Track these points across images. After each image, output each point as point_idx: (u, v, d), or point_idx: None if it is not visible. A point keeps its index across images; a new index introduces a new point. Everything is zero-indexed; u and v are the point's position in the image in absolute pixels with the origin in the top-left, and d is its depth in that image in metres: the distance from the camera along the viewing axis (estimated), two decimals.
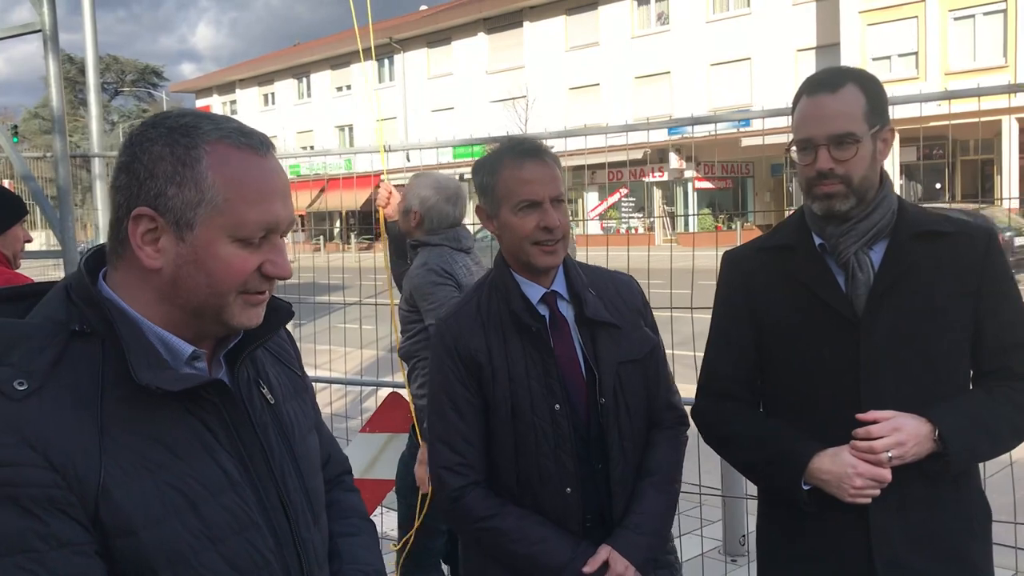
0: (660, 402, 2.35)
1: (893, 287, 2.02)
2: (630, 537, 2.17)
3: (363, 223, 19.97)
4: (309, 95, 48.00)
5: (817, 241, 2.10)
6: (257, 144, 1.32)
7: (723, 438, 2.26)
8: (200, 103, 55.80)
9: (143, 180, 1.27)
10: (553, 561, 2.13)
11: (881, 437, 1.93)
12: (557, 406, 2.16)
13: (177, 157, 1.27)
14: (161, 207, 1.27)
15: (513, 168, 2.16)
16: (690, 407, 2.39)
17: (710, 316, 2.32)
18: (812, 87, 2.05)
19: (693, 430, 2.38)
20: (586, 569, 2.10)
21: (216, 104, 54.10)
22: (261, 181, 1.31)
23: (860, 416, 1.96)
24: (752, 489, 4.39)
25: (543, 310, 2.23)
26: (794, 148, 2.07)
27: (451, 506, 2.21)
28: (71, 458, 1.17)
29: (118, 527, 1.20)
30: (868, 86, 2.03)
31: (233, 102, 53.14)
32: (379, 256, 4.42)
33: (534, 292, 2.23)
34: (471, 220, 3.25)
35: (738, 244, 2.39)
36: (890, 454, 1.92)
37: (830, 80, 2.03)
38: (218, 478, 1.30)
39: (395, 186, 4.00)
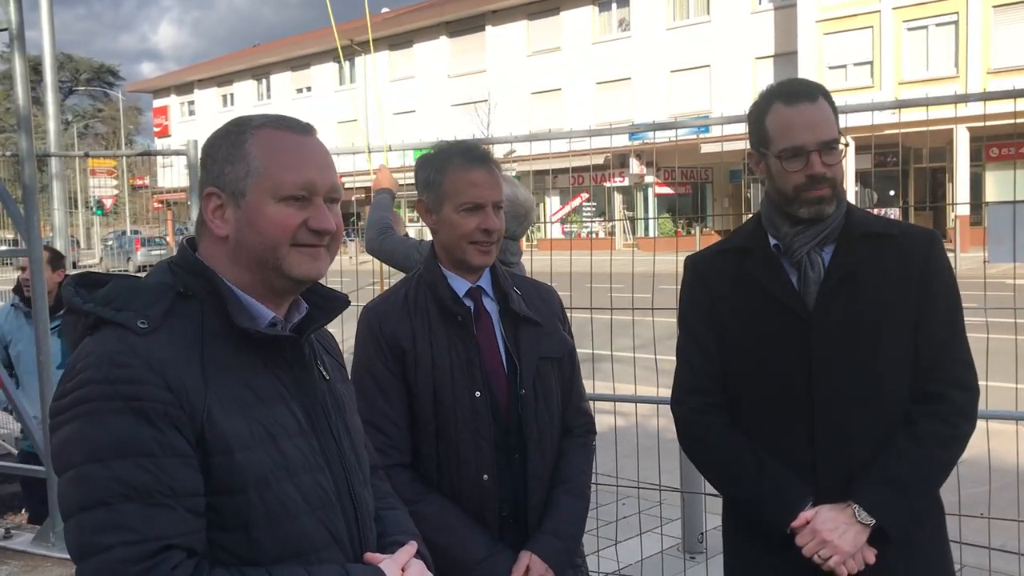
0: (572, 407, 2.45)
1: (841, 284, 2.12)
2: (549, 541, 2.27)
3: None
4: (269, 96, 47.61)
5: (772, 242, 2.20)
6: (294, 125, 1.57)
7: (708, 463, 2.31)
8: (157, 103, 55.04)
9: (209, 167, 1.55)
10: (468, 556, 2.22)
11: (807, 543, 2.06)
12: (478, 393, 2.26)
13: (231, 143, 1.54)
14: (222, 184, 1.53)
15: (462, 170, 2.28)
16: (658, 404, 2.46)
17: (675, 318, 2.40)
18: (790, 97, 2.12)
19: (652, 428, 2.46)
20: None
21: (174, 104, 53.40)
22: (295, 150, 1.54)
23: (793, 525, 2.08)
24: (710, 488, 4.48)
25: (468, 303, 2.33)
26: (777, 157, 2.11)
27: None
28: (184, 385, 1.40)
29: (219, 447, 1.42)
30: (829, 98, 2.15)
31: (191, 103, 52.50)
32: (343, 259, 4.45)
33: (460, 286, 2.33)
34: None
35: (697, 249, 2.47)
36: (822, 554, 2.04)
37: (806, 90, 2.13)
38: (291, 423, 1.52)
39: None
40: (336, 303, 1.68)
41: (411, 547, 1.65)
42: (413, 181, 2.42)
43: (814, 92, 2.12)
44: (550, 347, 2.38)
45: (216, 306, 1.50)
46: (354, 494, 1.61)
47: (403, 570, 1.60)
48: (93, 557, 1.32)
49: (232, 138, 1.54)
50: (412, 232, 4.25)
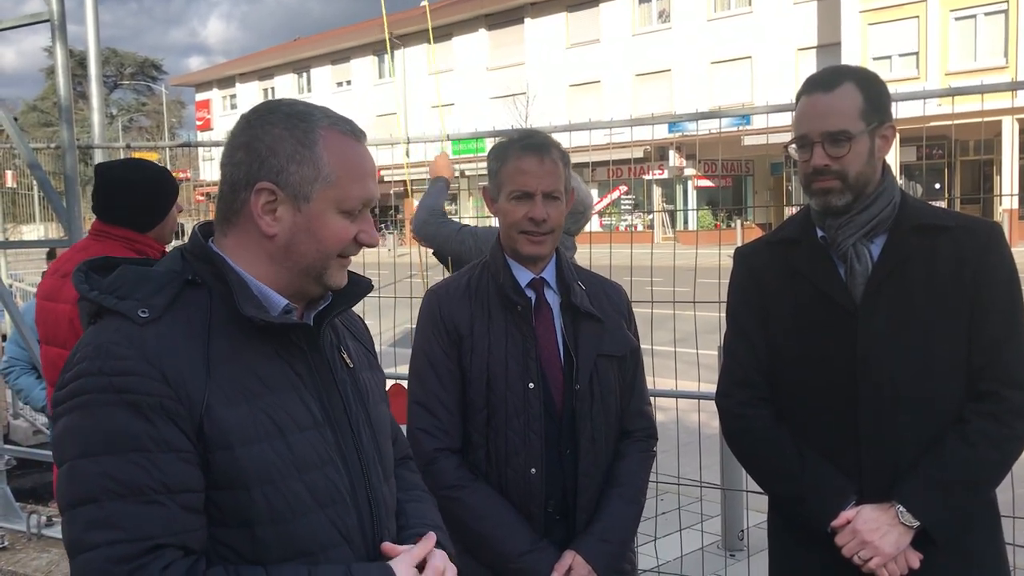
0: (633, 408, 2.40)
1: (890, 277, 2.06)
2: (595, 544, 2.22)
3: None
4: (309, 90, 47.94)
5: (819, 234, 2.15)
6: (357, 131, 1.53)
7: (751, 457, 2.27)
8: (200, 97, 55.70)
9: (264, 158, 1.45)
10: (508, 548, 2.19)
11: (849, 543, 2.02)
12: (531, 384, 2.23)
13: (297, 139, 1.46)
14: (282, 182, 1.45)
15: (516, 159, 2.26)
16: (699, 399, 2.41)
17: (716, 312, 2.35)
18: (810, 86, 2.10)
19: (693, 423, 2.41)
20: (554, 575, 2.17)
21: (216, 98, 54.01)
22: (361, 162, 1.51)
23: (833, 524, 2.04)
24: (751, 485, 4.42)
25: (530, 294, 2.30)
26: (793, 145, 2.11)
27: (424, 469, 2.21)
28: (182, 377, 1.35)
29: (218, 441, 1.37)
30: (866, 84, 2.07)
31: (233, 96, 53.05)
32: (382, 251, 4.43)
33: (523, 276, 2.31)
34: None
35: (738, 242, 2.44)
36: (862, 555, 1.99)
37: (827, 79, 2.08)
38: (303, 415, 1.47)
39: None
40: (359, 288, 1.62)
41: (429, 540, 1.59)
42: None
43: (836, 80, 2.06)
44: (610, 345, 2.33)
45: (226, 293, 1.45)
46: (371, 490, 1.56)
47: (422, 564, 1.54)
48: (82, 554, 1.30)
49: (298, 135, 1.46)
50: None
